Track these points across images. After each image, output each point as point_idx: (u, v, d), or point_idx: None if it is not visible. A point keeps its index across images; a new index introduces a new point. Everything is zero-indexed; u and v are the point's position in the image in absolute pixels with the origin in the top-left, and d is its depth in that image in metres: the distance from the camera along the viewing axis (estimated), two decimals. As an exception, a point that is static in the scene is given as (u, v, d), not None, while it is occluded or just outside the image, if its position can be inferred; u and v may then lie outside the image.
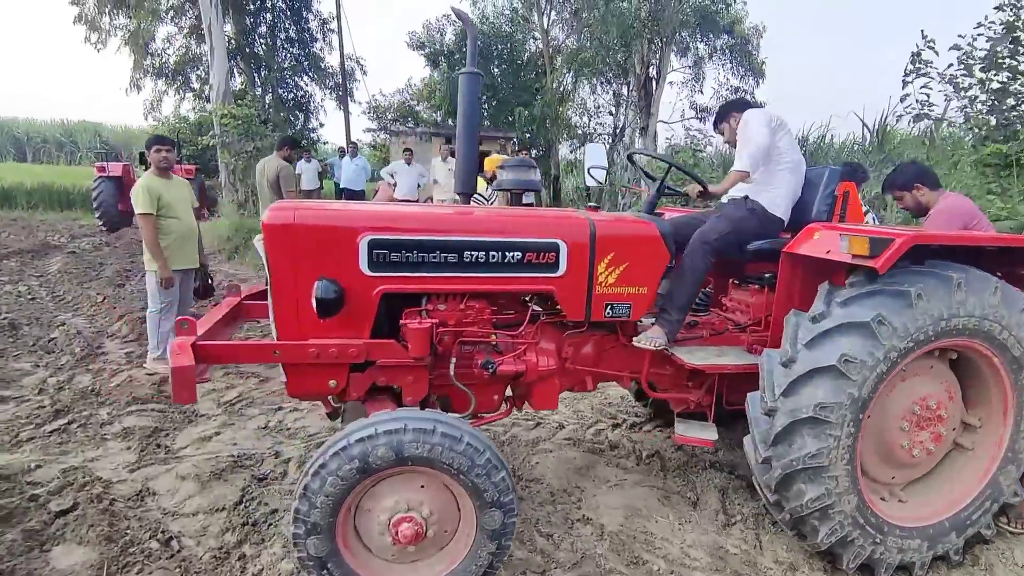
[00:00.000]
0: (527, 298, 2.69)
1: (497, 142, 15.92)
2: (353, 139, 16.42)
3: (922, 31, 5.56)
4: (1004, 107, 5.13)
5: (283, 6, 18.79)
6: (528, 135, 19.37)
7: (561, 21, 20.16)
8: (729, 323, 2.99)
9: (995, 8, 5.22)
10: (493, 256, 2.35)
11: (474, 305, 2.45)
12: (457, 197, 2.68)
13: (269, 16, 18.61)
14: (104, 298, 6.56)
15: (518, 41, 21.89)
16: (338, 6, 16.03)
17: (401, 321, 2.31)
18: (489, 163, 5.73)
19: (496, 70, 20.78)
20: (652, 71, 14.42)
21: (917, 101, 5.74)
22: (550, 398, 2.64)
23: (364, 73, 21.18)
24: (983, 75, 5.31)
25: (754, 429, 2.38)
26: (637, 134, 15.23)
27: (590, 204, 2.76)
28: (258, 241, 2.23)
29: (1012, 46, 5.02)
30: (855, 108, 16.57)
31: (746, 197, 2.75)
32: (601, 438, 3.66)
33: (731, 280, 3.19)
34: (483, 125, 18.48)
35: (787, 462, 2.23)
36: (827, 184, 2.82)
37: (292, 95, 18.83)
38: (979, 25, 5.27)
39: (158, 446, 3.29)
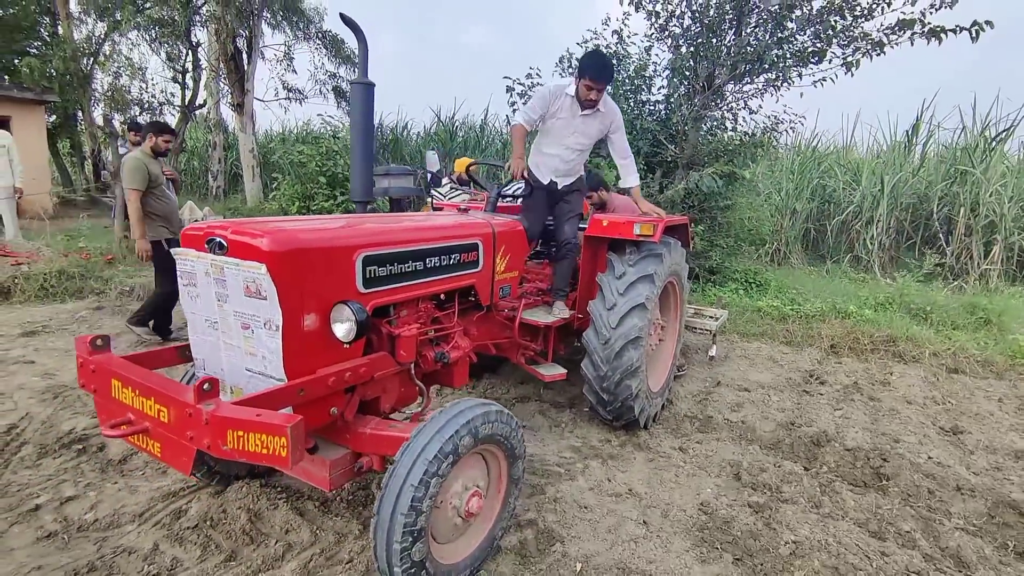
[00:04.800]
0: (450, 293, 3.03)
1: (28, 107, 11.75)
2: None
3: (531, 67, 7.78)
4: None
5: None
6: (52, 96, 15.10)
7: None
8: (536, 290, 4.02)
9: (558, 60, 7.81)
10: (444, 259, 2.68)
11: (425, 307, 2.70)
12: None
13: None
14: None
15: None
16: None
17: (394, 331, 2.41)
18: (459, 165, 4.87)
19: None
20: (241, 43, 13.38)
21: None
22: (465, 375, 3.10)
23: None
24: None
25: (594, 355, 3.54)
26: (231, 111, 13.99)
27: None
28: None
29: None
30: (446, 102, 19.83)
31: None
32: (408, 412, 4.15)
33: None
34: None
35: (623, 370, 3.48)
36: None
37: None
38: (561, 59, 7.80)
39: None
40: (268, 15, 13.75)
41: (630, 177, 3.78)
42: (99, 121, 16.89)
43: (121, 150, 7.86)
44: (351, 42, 15.32)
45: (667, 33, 7.25)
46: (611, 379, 3.52)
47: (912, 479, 3.31)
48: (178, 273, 2.20)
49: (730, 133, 8.08)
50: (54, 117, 18.10)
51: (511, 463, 2.48)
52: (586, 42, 8.04)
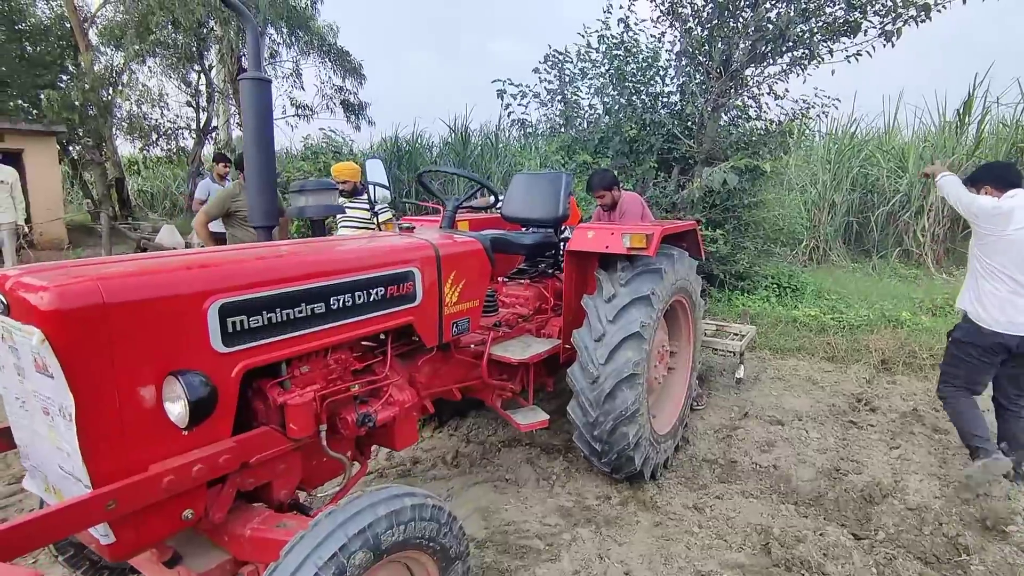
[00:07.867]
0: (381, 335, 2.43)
1: (40, 139, 11.84)
2: None
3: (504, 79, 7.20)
4: (575, 124, 7.18)
5: None
6: (70, 127, 15.33)
7: (92, -16, 16.26)
8: (515, 316, 3.38)
9: (542, 60, 7.16)
10: (359, 296, 2.08)
11: (338, 357, 2.10)
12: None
13: None
14: None
15: (21, 2, 16.79)
16: None
17: (278, 399, 1.82)
18: (337, 170, 4.41)
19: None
20: (245, 62, 13.24)
21: (519, 119, 7.38)
22: (412, 433, 2.49)
23: None
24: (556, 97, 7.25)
25: (581, 397, 2.88)
26: (237, 130, 13.84)
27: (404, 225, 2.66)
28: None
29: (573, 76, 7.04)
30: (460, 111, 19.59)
31: None
32: (397, 460, 3.56)
33: (501, 279, 3.58)
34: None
35: (616, 414, 2.81)
36: (566, 187, 3.50)
37: None
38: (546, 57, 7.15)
39: None
40: (273, 32, 13.55)
41: None
42: (121, 151, 17.09)
43: (212, 184, 6.90)
44: (356, 53, 15.01)
45: (676, 15, 6.52)
46: (603, 426, 2.86)
47: (1003, 553, 2.52)
48: (-20, 336, 1.66)
49: (753, 122, 7.26)
50: (79, 147, 18.49)
51: (444, 569, 1.84)
52: (591, 32, 7.36)
